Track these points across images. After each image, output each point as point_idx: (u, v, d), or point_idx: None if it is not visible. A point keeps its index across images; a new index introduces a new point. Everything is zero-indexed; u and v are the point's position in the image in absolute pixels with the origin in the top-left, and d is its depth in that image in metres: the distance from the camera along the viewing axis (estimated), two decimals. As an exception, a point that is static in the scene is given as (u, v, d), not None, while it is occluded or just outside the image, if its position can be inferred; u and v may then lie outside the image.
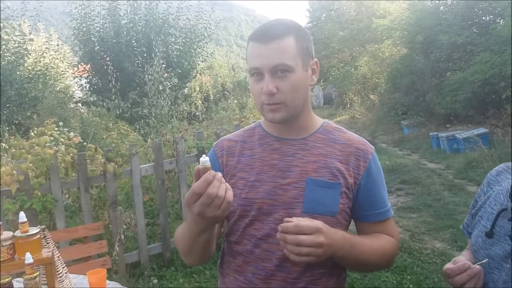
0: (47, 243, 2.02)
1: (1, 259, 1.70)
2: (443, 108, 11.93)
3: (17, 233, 1.73)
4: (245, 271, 1.35)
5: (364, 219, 1.39)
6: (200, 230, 1.23)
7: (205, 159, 1.13)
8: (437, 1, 14.23)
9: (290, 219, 1.17)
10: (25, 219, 1.75)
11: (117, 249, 3.99)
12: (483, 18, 12.75)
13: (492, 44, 10.39)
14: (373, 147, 1.42)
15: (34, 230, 1.76)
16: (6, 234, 1.74)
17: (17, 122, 9.34)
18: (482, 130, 9.58)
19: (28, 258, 1.62)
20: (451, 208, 6.09)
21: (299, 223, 1.15)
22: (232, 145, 1.43)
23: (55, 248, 2.02)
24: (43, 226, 1.97)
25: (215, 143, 1.49)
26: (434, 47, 13.08)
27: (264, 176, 1.33)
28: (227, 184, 1.13)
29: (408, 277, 4.11)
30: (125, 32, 10.25)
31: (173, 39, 10.84)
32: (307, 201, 1.29)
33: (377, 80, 19.48)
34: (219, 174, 1.12)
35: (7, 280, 1.65)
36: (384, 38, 19.81)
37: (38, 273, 1.67)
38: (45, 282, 1.81)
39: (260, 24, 1.38)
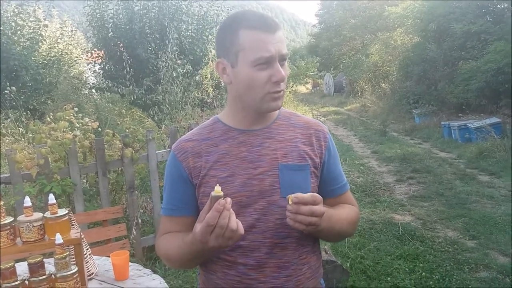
0: (72, 225, 2.08)
1: (32, 239, 1.76)
2: (455, 97, 11.86)
3: (47, 214, 1.78)
4: (235, 264, 1.33)
5: (329, 194, 1.44)
6: (206, 256, 1.32)
7: (219, 188, 1.13)
8: (451, -11, 14.06)
9: (293, 195, 1.19)
10: (54, 201, 1.80)
11: (134, 232, 4.06)
12: (498, 6, 12.58)
13: (507, 32, 10.28)
14: (326, 126, 1.50)
15: (62, 211, 1.82)
16: (36, 215, 1.80)
17: (32, 107, 9.43)
18: (494, 119, 9.52)
19: (58, 238, 1.68)
20: (463, 198, 6.08)
21: (314, 194, 1.21)
22: (195, 145, 1.38)
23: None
24: (68, 209, 2.03)
25: (173, 146, 1.42)
26: (447, 35, 12.96)
27: (236, 170, 1.32)
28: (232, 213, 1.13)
29: (421, 265, 4.14)
30: (138, 19, 10.23)
31: (185, 26, 10.82)
32: (284, 186, 1.32)
33: (388, 69, 19.35)
34: (228, 202, 1.12)
35: (38, 259, 1.70)
36: (396, 26, 19.70)
37: (67, 253, 1.73)
38: (73, 262, 1.87)
39: (270, 13, 1.37)
